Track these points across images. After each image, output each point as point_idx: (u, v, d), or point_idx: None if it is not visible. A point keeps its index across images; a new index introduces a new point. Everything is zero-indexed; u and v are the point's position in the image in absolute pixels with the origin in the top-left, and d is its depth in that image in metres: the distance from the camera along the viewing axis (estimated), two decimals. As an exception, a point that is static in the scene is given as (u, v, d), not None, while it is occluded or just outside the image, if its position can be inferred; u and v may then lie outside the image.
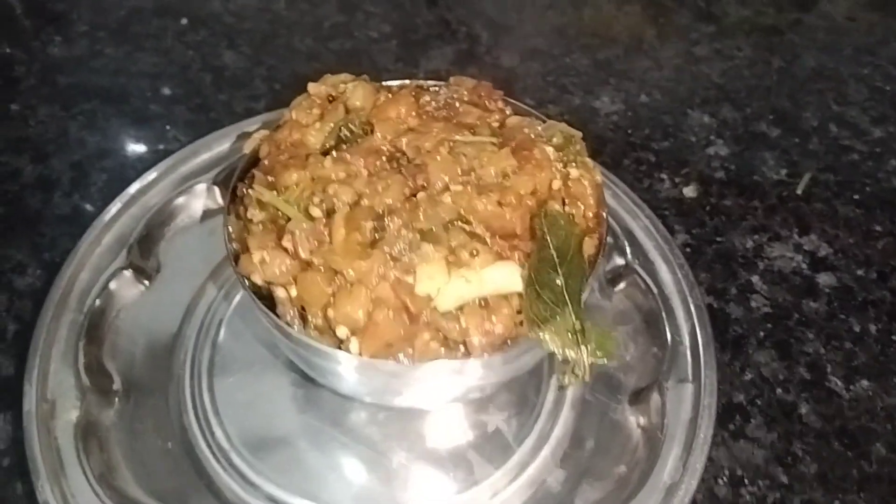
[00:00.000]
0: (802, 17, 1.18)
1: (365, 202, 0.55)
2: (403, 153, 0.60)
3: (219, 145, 0.84)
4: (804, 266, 0.84)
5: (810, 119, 1.01)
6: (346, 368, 0.55)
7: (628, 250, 0.78)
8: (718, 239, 0.86)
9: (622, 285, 0.77)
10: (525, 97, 0.99)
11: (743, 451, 0.70)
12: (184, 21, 1.09)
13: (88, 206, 0.85)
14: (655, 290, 0.75)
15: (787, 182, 0.93)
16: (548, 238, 0.56)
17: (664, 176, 0.92)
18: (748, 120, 1.00)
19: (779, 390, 0.74)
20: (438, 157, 0.58)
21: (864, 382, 0.75)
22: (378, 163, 0.58)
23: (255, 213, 0.57)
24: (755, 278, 0.83)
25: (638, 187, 0.89)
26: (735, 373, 0.75)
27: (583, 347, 0.53)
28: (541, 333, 0.53)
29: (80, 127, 0.94)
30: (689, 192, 0.90)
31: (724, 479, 0.68)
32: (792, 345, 0.77)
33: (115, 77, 1.01)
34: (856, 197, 0.91)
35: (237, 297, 0.74)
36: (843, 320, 0.80)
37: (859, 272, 0.84)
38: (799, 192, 0.91)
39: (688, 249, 0.84)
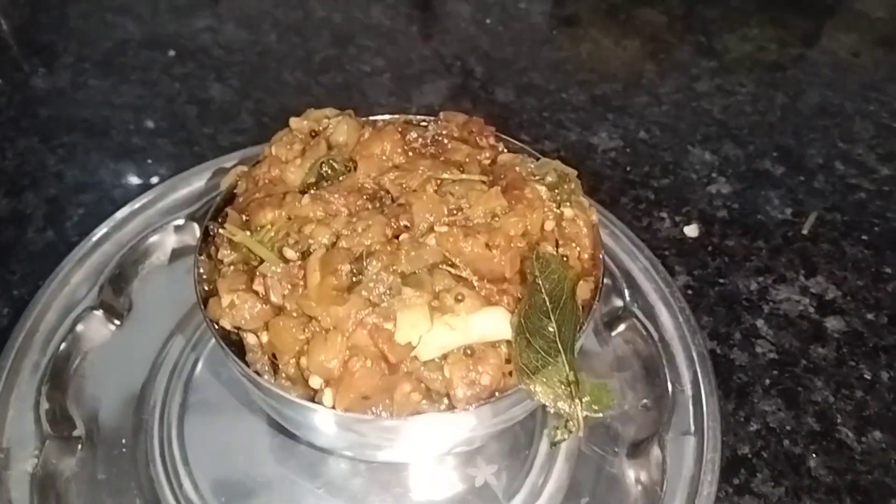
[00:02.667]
0: (805, 53, 1.16)
1: (343, 244, 0.51)
2: (387, 192, 0.57)
3: (198, 181, 0.81)
4: (811, 310, 0.80)
5: (815, 156, 0.98)
6: (320, 421, 0.52)
7: (626, 293, 0.74)
8: (721, 281, 0.82)
9: (620, 328, 0.74)
10: (521, 133, 0.97)
11: (749, 508, 0.65)
12: (171, 53, 1.07)
13: (62, 243, 0.81)
14: (655, 336, 0.71)
15: (792, 222, 0.89)
16: (539, 282, 0.52)
17: (664, 215, 0.89)
18: (751, 157, 0.97)
19: (786, 442, 0.70)
20: (424, 197, 0.54)
21: (877, 434, 0.71)
22: (359, 202, 0.55)
23: (226, 254, 0.54)
24: (760, 322, 0.79)
25: (636, 226, 0.86)
26: (739, 423, 0.71)
27: (577, 400, 0.50)
28: (531, 385, 0.50)
29: (58, 160, 0.91)
30: (691, 231, 0.87)
31: (729, 538, 0.64)
32: (800, 393, 0.73)
33: (98, 109, 0.99)
34: (864, 237, 0.88)
35: (211, 341, 0.70)
36: (853, 367, 0.76)
37: (869, 316, 0.80)
38: (805, 232, 0.88)
39: (689, 292, 0.80)
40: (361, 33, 1.12)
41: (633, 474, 0.64)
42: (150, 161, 0.91)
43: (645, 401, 0.69)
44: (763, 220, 0.89)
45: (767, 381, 0.74)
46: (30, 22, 1.13)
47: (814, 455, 0.69)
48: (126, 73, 1.04)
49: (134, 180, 0.89)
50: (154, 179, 0.88)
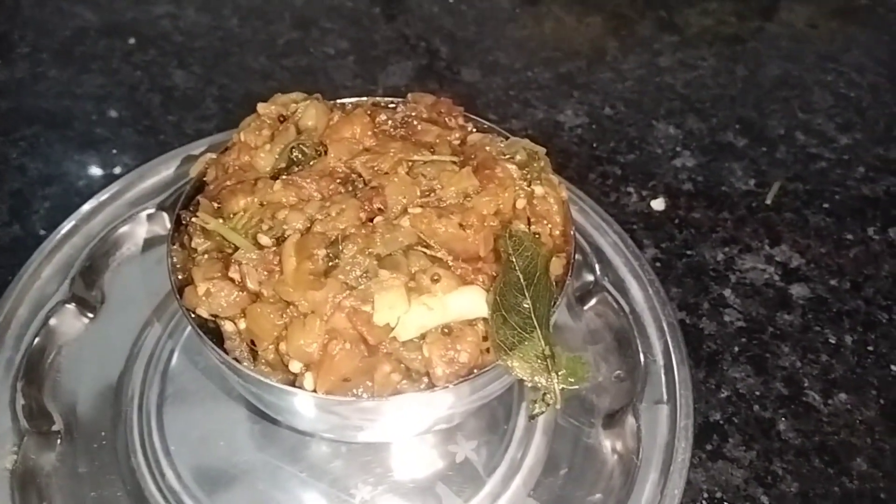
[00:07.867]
0: (764, 26, 1.18)
1: (317, 228, 0.51)
2: (359, 175, 0.57)
3: (166, 169, 0.80)
4: (776, 278, 0.82)
5: (777, 127, 1.00)
6: (302, 405, 0.52)
7: (597, 267, 0.75)
8: (688, 252, 0.84)
9: (592, 303, 0.75)
10: (487, 112, 0.97)
11: (721, 471, 0.67)
12: (131, 41, 1.05)
13: (29, 237, 0.80)
14: (626, 308, 0.72)
15: (755, 192, 0.91)
16: (513, 260, 0.53)
17: (631, 189, 0.90)
18: (714, 130, 0.99)
19: (756, 407, 0.72)
20: (396, 179, 0.55)
21: (843, 396, 0.73)
22: (332, 186, 0.55)
23: (199, 243, 0.53)
24: (727, 292, 0.80)
25: (605, 202, 0.87)
26: (710, 390, 0.73)
27: (553, 374, 0.51)
28: (509, 361, 0.50)
29: (21, 153, 0.89)
30: (657, 205, 0.88)
31: (704, 502, 0.65)
32: (767, 359, 0.75)
33: (59, 100, 0.97)
34: (826, 206, 0.90)
35: (187, 330, 0.70)
36: (818, 332, 0.78)
37: (832, 282, 0.82)
38: (768, 202, 0.90)
39: (658, 264, 0.82)
40: (324, 16, 1.11)
41: (609, 444, 0.65)
42: (114, 151, 0.90)
43: (618, 372, 0.70)
44: (727, 192, 0.91)
45: (736, 349, 0.76)
46: (-18, 12, 1.10)
47: (783, 418, 0.71)
48: (86, 63, 1.02)
49: (99, 171, 0.88)
50: (119, 169, 0.87)
